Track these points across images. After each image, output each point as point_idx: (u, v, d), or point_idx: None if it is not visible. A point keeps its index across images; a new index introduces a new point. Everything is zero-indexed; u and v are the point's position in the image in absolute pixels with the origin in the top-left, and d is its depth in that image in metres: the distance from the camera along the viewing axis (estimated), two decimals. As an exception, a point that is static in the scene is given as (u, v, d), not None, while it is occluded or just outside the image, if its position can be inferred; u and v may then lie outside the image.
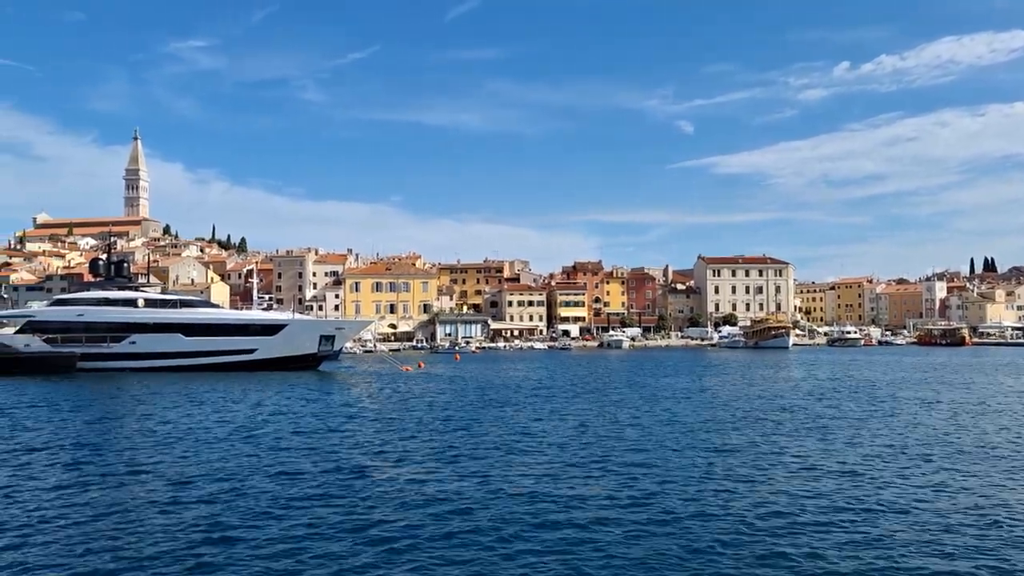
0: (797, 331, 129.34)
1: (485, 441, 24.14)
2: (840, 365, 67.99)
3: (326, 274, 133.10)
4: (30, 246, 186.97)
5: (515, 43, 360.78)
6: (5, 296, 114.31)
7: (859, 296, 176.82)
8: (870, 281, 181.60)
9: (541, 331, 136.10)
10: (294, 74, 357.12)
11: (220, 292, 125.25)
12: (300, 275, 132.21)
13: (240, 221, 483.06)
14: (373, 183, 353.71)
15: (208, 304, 73.81)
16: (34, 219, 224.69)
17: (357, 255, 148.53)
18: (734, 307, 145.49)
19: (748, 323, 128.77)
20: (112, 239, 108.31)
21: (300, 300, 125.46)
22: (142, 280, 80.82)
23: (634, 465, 19.88)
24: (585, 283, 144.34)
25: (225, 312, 70.10)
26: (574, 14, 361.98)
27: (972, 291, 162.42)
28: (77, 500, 16.26)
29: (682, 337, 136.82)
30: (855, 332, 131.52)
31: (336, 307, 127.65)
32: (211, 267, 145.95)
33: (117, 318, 60.07)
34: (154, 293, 70.52)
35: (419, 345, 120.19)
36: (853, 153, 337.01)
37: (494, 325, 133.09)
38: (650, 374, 57.22)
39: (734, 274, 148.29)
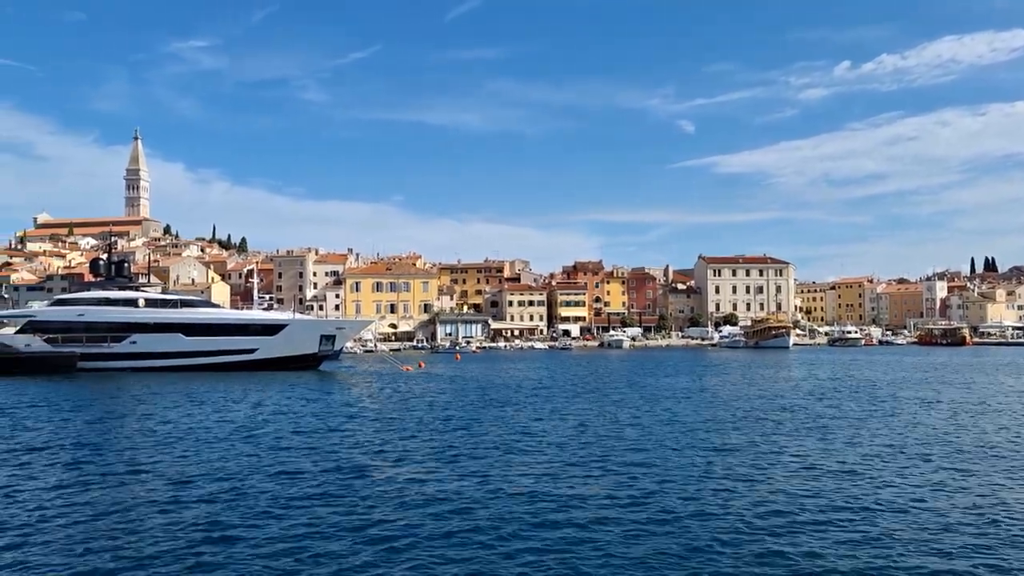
0: (798, 331, 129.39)
1: (485, 441, 24.16)
2: (840, 365, 67.98)
3: (327, 274, 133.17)
4: (31, 246, 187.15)
5: (515, 43, 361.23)
6: (6, 296, 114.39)
7: (860, 296, 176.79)
8: (871, 281, 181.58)
9: (541, 331, 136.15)
10: (295, 74, 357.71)
11: (221, 292, 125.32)
12: (300, 275, 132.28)
13: (241, 221, 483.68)
14: (374, 183, 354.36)
15: (209, 304, 73.92)
16: (35, 219, 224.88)
17: (358, 255, 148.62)
18: (734, 307, 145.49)
19: (748, 323, 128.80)
20: (113, 239, 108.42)
21: (300, 300, 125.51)
22: (143, 280, 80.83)
23: (634, 464, 19.89)
24: (585, 283, 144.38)
25: (225, 312, 70.13)
26: (574, 14, 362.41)
27: (973, 291, 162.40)
28: (77, 500, 16.29)
29: (682, 337, 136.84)
30: (856, 332, 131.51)
31: (336, 307, 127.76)
32: (212, 267, 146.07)
33: (118, 318, 60.12)
34: (155, 293, 70.57)
35: (419, 345, 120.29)
36: (854, 152, 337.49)
37: (494, 325, 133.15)
38: (650, 374, 57.22)
39: (735, 274, 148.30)
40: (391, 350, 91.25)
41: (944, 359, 77.18)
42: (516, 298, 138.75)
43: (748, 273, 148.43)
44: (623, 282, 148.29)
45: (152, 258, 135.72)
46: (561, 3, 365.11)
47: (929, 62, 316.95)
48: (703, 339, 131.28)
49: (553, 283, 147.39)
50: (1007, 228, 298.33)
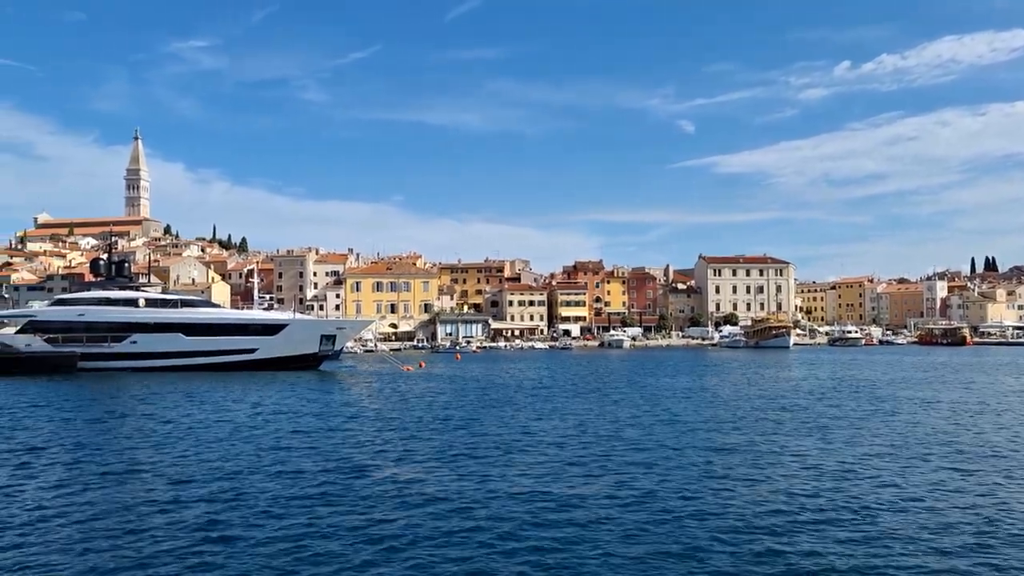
0: (798, 331, 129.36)
1: (485, 440, 24.16)
2: (841, 365, 67.97)
3: (327, 274, 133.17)
4: (31, 246, 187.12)
5: (515, 43, 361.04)
6: (6, 296, 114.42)
7: (860, 296, 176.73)
8: (871, 280, 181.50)
9: (542, 331, 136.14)
10: (295, 74, 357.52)
11: (221, 292, 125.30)
12: (301, 275, 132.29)
13: (241, 221, 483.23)
14: (374, 183, 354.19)
15: (209, 304, 73.92)
16: (35, 219, 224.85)
17: (358, 255, 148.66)
18: (735, 307, 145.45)
19: (749, 323, 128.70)
20: (113, 239, 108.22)
21: (301, 300, 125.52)
22: (143, 280, 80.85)
23: (634, 464, 19.90)
24: (586, 283, 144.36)
25: (226, 312, 70.14)
26: (574, 14, 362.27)
27: (973, 290, 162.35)
28: (77, 499, 16.30)
29: (683, 337, 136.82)
30: (856, 332, 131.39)
31: (337, 307, 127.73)
32: (212, 267, 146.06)
33: (118, 318, 60.14)
34: (155, 293, 70.60)
35: (420, 345, 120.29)
36: (854, 152, 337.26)
37: (495, 325, 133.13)
38: (650, 374, 57.22)
39: (735, 274, 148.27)
40: (391, 350, 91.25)
41: (944, 359, 77.18)
42: (516, 298, 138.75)
43: (748, 273, 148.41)
44: (623, 282, 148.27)
45: (152, 258, 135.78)
46: (561, 3, 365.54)
47: (929, 62, 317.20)
48: (703, 339, 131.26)
49: (553, 283, 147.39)
50: (1007, 228, 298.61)
